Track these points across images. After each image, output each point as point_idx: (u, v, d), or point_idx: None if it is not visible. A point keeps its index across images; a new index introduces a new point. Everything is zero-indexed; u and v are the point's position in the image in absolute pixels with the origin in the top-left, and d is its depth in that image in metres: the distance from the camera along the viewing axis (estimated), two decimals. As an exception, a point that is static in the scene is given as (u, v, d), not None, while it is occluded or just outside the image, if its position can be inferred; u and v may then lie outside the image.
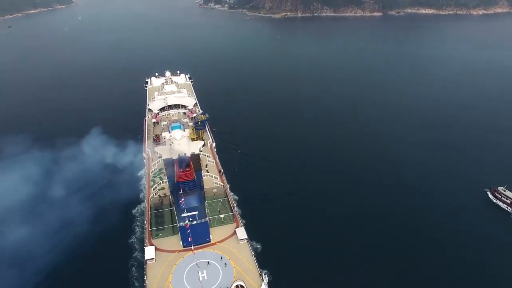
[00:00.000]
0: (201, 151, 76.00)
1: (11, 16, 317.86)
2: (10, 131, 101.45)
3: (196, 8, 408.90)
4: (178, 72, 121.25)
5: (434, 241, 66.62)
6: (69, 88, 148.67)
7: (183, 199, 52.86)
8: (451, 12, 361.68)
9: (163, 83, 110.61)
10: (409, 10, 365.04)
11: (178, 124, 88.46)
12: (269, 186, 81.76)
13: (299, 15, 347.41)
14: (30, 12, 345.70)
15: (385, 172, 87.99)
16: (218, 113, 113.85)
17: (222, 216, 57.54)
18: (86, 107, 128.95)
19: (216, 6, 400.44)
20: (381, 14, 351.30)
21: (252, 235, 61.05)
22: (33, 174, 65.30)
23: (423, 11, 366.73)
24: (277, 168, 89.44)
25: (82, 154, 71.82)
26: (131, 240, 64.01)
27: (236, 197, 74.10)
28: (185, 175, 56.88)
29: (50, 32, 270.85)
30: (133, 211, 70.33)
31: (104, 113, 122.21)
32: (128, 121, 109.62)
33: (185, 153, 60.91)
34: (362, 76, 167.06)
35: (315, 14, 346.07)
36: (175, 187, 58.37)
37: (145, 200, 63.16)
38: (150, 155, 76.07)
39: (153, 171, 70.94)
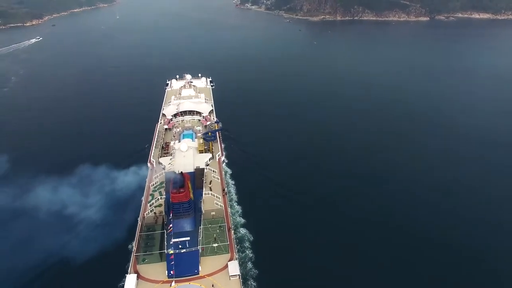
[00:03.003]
0: (207, 165, 70.34)
1: (57, 15, 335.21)
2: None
3: (233, 8, 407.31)
4: (200, 75, 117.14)
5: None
6: (86, 89, 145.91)
7: (171, 226, 47.14)
8: (510, 17, 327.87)
9: (182, 87, 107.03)
10: (460, 15, 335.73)
11: (190, 132, 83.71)
12: (286, 218, 67.91)
13: (338, 18, 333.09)
14: (75, 11, 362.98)
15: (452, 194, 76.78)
16: (239, 122, 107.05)
17: (215, 245, 51.22)
18: (101, 111, 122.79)
19: (253, 7, 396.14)
20: (427, 19, 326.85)
21: (250, 275, 54.08)
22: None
23: (476, 15, 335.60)
24: (304, 194, 74.37)
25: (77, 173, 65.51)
26: (121, 284, 50.62)
27: (247, 231, 63.20)
28: (178, 196, 51.34)
29: (88, 30, 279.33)
30: (129, 247, 56.53)
31: (119, 119, 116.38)
32: (144, 127, 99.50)
33: (181, 172, 55.19)
34: (410, 89, 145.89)
35: (355, 18, 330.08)
36: (170, 208, 53.04)
37: (139, 217, 58.12)
38: (154, 165, 71.74)
39: (153, 184, 66.28)
